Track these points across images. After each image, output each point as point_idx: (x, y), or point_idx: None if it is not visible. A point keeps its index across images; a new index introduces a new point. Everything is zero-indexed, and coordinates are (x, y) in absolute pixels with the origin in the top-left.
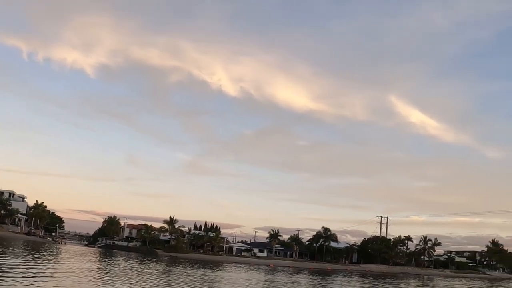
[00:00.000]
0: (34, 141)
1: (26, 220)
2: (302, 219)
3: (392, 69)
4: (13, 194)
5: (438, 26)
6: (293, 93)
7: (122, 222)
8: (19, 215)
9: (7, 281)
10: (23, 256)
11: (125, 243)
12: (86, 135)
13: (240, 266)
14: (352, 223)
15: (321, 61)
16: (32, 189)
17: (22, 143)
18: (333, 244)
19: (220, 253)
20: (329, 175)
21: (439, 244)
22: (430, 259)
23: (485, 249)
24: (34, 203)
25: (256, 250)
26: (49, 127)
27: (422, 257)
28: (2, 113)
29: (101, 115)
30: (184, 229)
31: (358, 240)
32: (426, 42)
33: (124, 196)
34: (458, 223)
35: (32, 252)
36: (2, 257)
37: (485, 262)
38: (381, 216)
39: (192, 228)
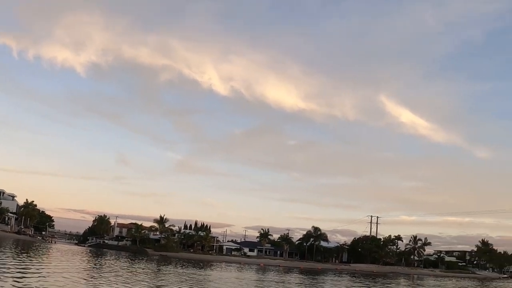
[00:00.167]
0: (24, 140)
1: (16, 219)
2: (292, 219)
3: (383, 69)
4: (3, 193)
5: (428, 26)
6: (283, 93)
7: (112, 221)
8: (9, 214)
9: None
10: (13, 255)
11: (115, 242)
12: (77, 134)
13: (231, 266)
14: (342, 222)
15: (311, 61)
16: (22, 188)
17: (12, 142)
18: (323, 243)
19: (210, 252)
20: (319, 174)
21: (429, 243)
22: (420, 258)
23: (475, 249)
24: (24, 202)
25: (246, 250)
26: (39, 126)
27: (412, 256)
28: None
29: (92, 114)
30: (174, 228)
31: (348, 239)
32: (416, 42)
33: (115, 195)
34: (448, 223)
35: (22, 251)
36: None
37: (475, 262)
38: (371, 216)
39: (183, 227)
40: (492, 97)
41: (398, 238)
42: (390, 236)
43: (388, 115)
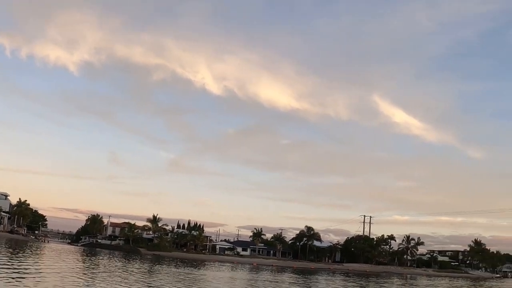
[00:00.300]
0: (16, 139)
1: (9, 218)
2: (285, 218)
3: (376, 69)
4: None
5: (422, 26)
6: (276, 92)
7: (105, 221)
8: (2, 213)
9: None
10: (6, 254)
11: (108, 242)
12: (69, 133)
13: (224, 265)
14: (335, 222)
15: (305, 61)
16: (15, 187)
17: (4, 141)
18: (316, 243)
19: (203, 251)
20: (312, 174)
21: (422, 243)
22: (413, 258)
23: (468, 249)
24: (17, 201)
25: (239, 249)
26: (32, 125)
27: (405, 256)
28: None
29: (85, 113)
30: (167, 228)
31: (341, 239)
32: (409, 42)
33: (107, 195)
34: (441, 223)
35: (15, 250)
36: None
37: (467, 262)
38: (364, 216)
39: (176, 227)
40: (485, 97)
41: (391, 237)
42: (383, 235)
43: (381, 115)
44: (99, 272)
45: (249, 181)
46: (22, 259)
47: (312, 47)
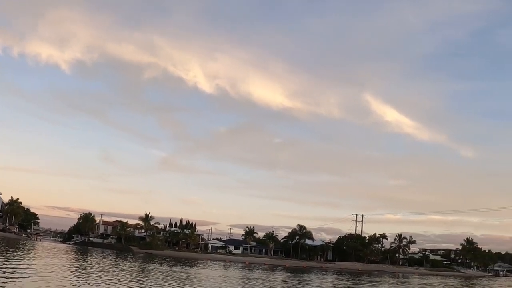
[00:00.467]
0: (8, 137)
1: (0, 217)
2: (277, 217)
3: (367, 68)
4: None
5: (412, 26)
6: (268, 91)
7: (97, 219)
8: None
9: None
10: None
11: (100, 240)
12: (61, 131)
13: (216, 264)
14: (327, 220)
15: (296, 59)
16: (7, 185)
17: None
18: (308, 241)
19: (195, 250)
20: (304, 172)
21: (414, 242)
22: (405, 257)
23: (460, 247)
24: (9, 199)
25: (231, 248)
26: (24, 123)
27: (397, 255)
28: None
29: (76, 111)
30: (159, 226)
31: (333, 237)
32: (400, 41)
33: (99, 193)
34: (433, 222)
35: (7, 249)
36: None
37: (459, 260)
38: (356, 214)
39: (168, 225)
40: (475, 97)
41: (383, 236)
42: (375, 234)
43: (373, 114)
44: (92, 271)
45: (241, 179)
46: (14, 257)
47: (304, 46)
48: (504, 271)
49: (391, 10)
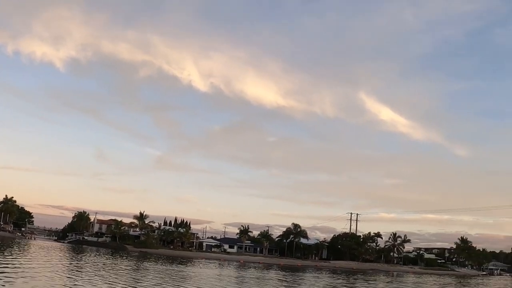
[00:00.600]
0: (2, 135)
1: None
2: (272, 215)
3: (362, 67)
4: None
5: (408, 25)
6: (263, 89)
7: (91, 218)
8: None
9: None
10: None
11: (95, 239)
12: (55, 130)
13: (211, 262)
14: (322, 219)
15: (291, 58)
16: (1, 184)
17: None
18: (303, 240)
19: (190, 249)
20: (298, 171)
21: (408, 241)
22: (400, 255)
23: (454, 246)
24: (4, 198)
25: (226, 246)
26: (18, 121)
27: (391, 253)
28: None
29: (70, 110)
30: (154, 225)
31: (327, 236)
32: (395, 40)
33: (94, 191)
34: (427, 220)
35: (2, 247)
36: None
37: (453, 259)
38: (351, 213)
39: (162, 224)
40: (470, 96)
41: (378, 235)
42: (369, 233)
43: (368, 113)
44: (87, 270)
45: (236, 178)
46: (10, 256)
47: (299, 45)
48: (498, 270)
49: (388, 10)
